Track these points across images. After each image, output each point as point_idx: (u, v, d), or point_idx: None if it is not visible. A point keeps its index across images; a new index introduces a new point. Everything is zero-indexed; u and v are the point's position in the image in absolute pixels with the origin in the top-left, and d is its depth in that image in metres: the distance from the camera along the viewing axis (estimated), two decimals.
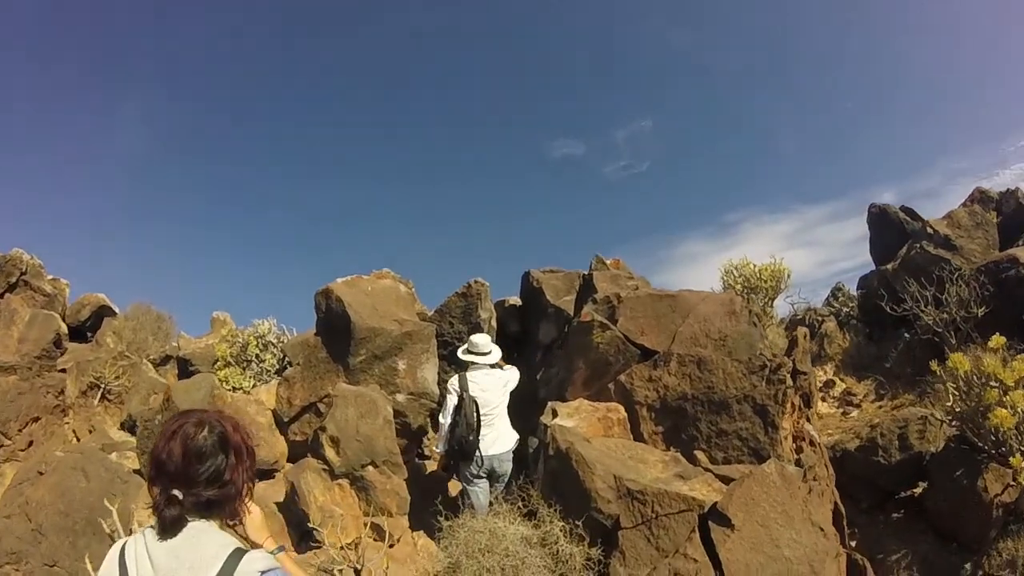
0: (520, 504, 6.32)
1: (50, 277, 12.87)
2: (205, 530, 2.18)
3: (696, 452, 6.49)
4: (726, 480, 5.98)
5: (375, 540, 7.18)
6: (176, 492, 2.16)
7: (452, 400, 7.04)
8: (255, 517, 2.55)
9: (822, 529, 5.63)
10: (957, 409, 7.18)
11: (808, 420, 6.83)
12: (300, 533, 7.38)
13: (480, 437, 6.93)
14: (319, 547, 6.66)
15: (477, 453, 6.92)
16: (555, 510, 6.03)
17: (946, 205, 12.29)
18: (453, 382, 7.17)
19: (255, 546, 2.43)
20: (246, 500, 2.42)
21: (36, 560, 7.06)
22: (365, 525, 7.22)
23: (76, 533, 7.26)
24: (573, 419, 6.81)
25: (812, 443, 6.54)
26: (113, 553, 2.22)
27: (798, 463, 6.10)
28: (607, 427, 6.84)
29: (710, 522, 5.44)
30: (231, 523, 2.44)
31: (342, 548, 6.61)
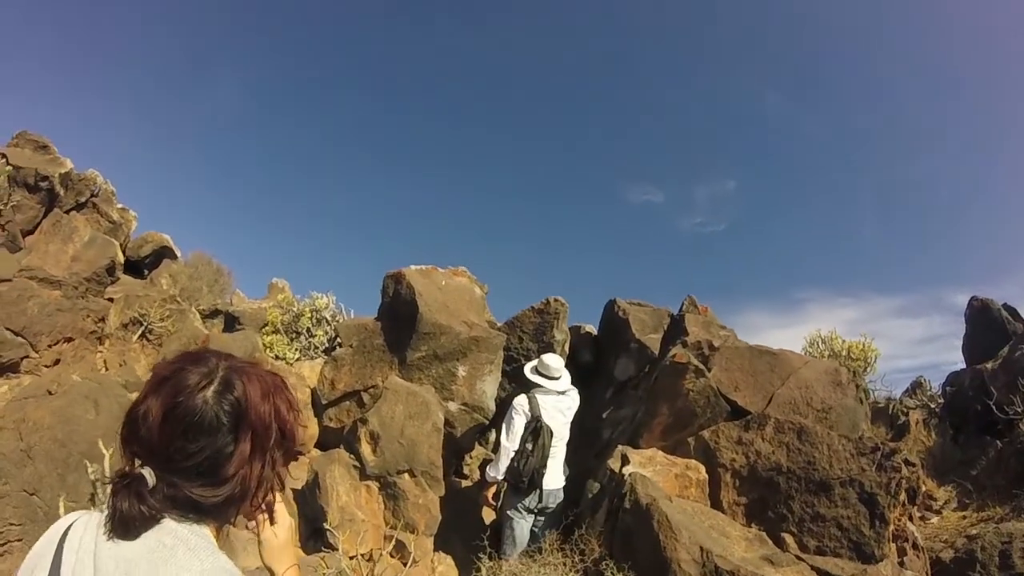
0: (576, 559, 5.47)
1: (120, 205, 12.79)
2: (185, 542, 1.34)
3: (784, 535, 5.58)
4: (823, 575, 5.09)
5: (393, 557, 6.46)
6: (145, 473, 1.36)
7: (520, 422, 6.35)
8: (280, 531, 1.72)
9: None
10: None
11: (911, 519, 5.91)
12: (311, 530, 6.76)
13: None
14: (330, 551, 5.98)
15: (537, 489, 6.27)
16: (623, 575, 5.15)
17: None
18: (522, 402, 6.47)
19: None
20: (264, 504, 1.57)
21: (16, 483, 6.36)
22: (386, 538, 6.51)
23: (68, 466, 6.63)
24: (647, 469, 5.99)
25: (916, 547, 5.63)
26: (55, 532, 1.42)
27: (901, 565, 5.25)
28: (683, 486, 6.01)
29: None
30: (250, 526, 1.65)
31: (355, 557, 5.89)
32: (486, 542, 6.04)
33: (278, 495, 1.64)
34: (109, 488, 1.38)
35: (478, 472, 8.26)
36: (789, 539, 5.55)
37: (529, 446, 6.27)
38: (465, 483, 8.25)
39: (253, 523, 1.68)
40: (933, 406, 13.07)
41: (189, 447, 1.36)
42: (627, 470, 5.91)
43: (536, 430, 6.32)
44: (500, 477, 6.35)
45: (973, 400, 11.04)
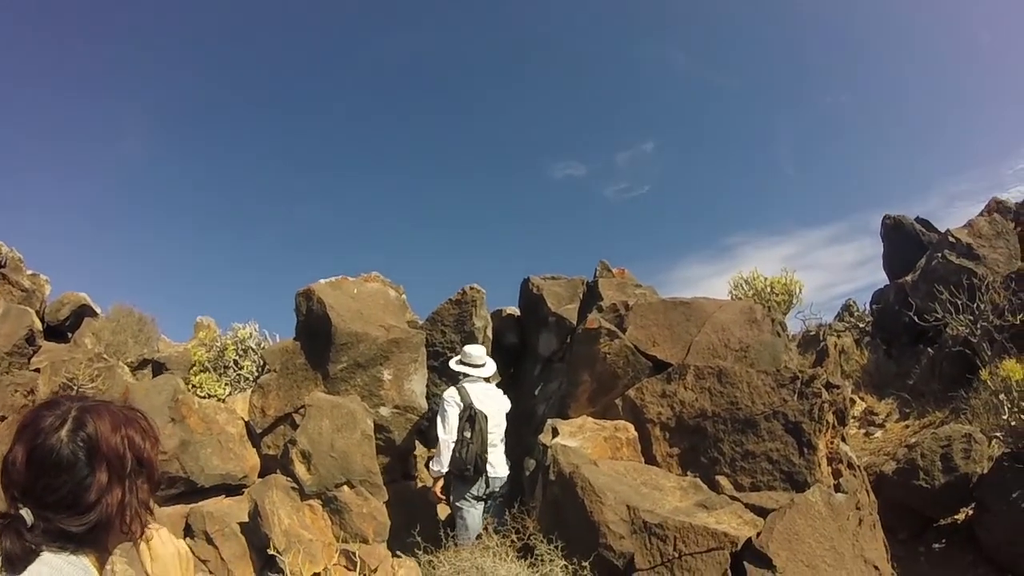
0: (514, 537, 5.47)
1: (30, 272, 12.54)
2: (60, 571, 1.42)
3: (718, 477, 5.63)
4: (760, 511, 5.13)
5: (347, 570, 6.39)
6: (24, 513, 1.45)
7: (453, 412, 6.39)
8: (163, 558, 1.69)
9: (877, 568, 4.87)
10: (1013, 423, 6.42)
11: (844, 440, 5.99)
12: (263, 560, 6.65)
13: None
14: None
15: (483, 476, 6.31)
16: (556, 546, 5.14)
17: (948, 227, 11.75)
18: (452, 394, 6.53)
19: None
20: (134, 531, 1.60)
21: None
22: (337, 552, 6.42)
23: None
24: (577, 438, 6.00)
25: (851, 466, 5.69)
26: None
27: (837, 488, 5.31)
28: (615, 448, 6.03)
29: (745, 563, 4.58)
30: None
31: None
32: (444, 540, 6.00)
33: (156, 526, 1.68)
34: None
35: (425, 472, 8.21)
36: (724, 481, 5.60)
37: (468, 434, 6.29)
38: (414, 484, 8.18)
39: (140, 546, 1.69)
40: (863, 325, 13.38)
41: (53, 483, 1.46)
42: (557, 442, 5.92)
43: (471, 417, 6.36)
44: (444, 470, 6.37)
45: (899, 314, 11.35)
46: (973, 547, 6.59)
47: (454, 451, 6.28)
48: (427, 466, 7.95)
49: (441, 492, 6.75)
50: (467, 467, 6.21)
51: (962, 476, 6.72)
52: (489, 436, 6.38)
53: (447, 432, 6.36)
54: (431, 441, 7.95)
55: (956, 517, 7.00)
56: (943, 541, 6.90)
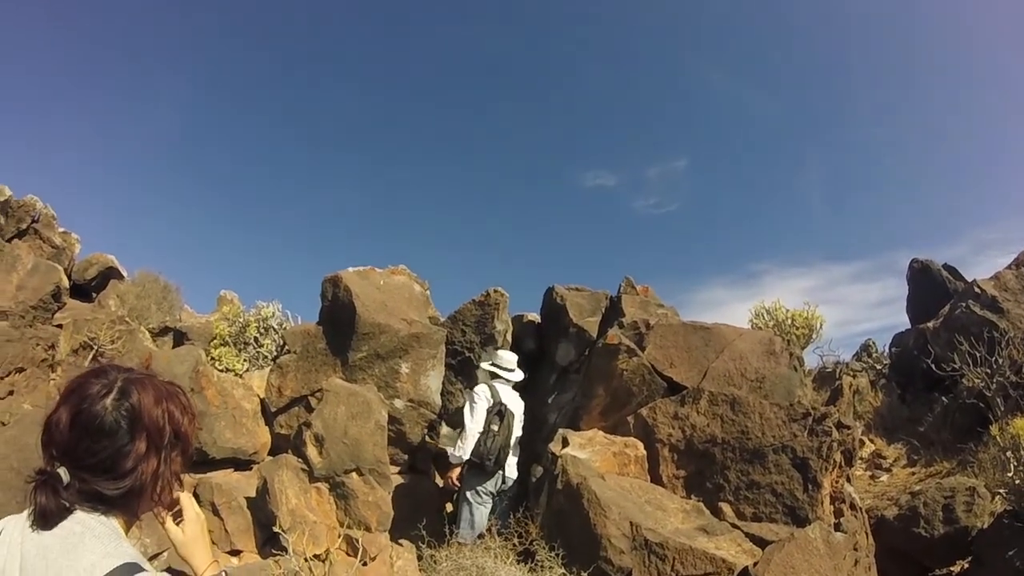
0: (516, 541, 5.56)
1: (61, 230, 12.65)
2: (92, 530, 1.52)
3: (722, 504, 5.70)
4: (759, 541, 5.20)
5: (348, 555, 6.50)
6: (60, 471, 1.55)
7: (483, 405, 6.58)
8: (188, 527, 1.85)
9: None
10: (1017, 481, 6.43)
11: (849, 480, 6.03)
12: (266, 536, 6.77)
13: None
14: (283, 554, 5.99)
15: (500, 471, 6.46)
16: (557, 554, 5.24)
17: (975, 275, 11.67)
18: (484, 390, 6.73)
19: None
20: (164, 501, 1.74)
21: None
22: (339, 537, 6.53)
23: (26, 492, 6.58)
24: (586, 450, 6.09)
25: (853, 507, 5.72)
26: None
27: (837, 527, 5.34)
28: (622, 464, 6.11)
29: None
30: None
31: (309, 559, 5.93)
32: (448, 536, 6.09)
33: (183, 495, 1.83)
34: (31, 486, 1.57)
35: (433, 467, 8.30)
36: (726, 508, 5.66)
37: (495, 427, 6.43)
38: (420, 478, 8.29)
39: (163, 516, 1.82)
40: (880, 367, 13.30)
41: (93, 447, 1.55)
42: (567, 452, 6.00)
43: (500, 412, 6.53)
44: (466, 457, 6.47)
45: (917, 359, 11.22)
46: None
47: (478, 441, 6.41)
48: (435, 461, 8.10)
49: (457, 479, 6.86)
50: (489, 457, 6.32)
51: (962, 529, 6.66)
52: (513, 436, 6.55)
53: (475, 422, 6.50)
54: (441, 438, 8.08)
55: (952, 569, 6.92)
56: None
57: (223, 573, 1.87)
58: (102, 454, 1.56)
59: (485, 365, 7.18)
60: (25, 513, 1.59)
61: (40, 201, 12.17)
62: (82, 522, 1.52)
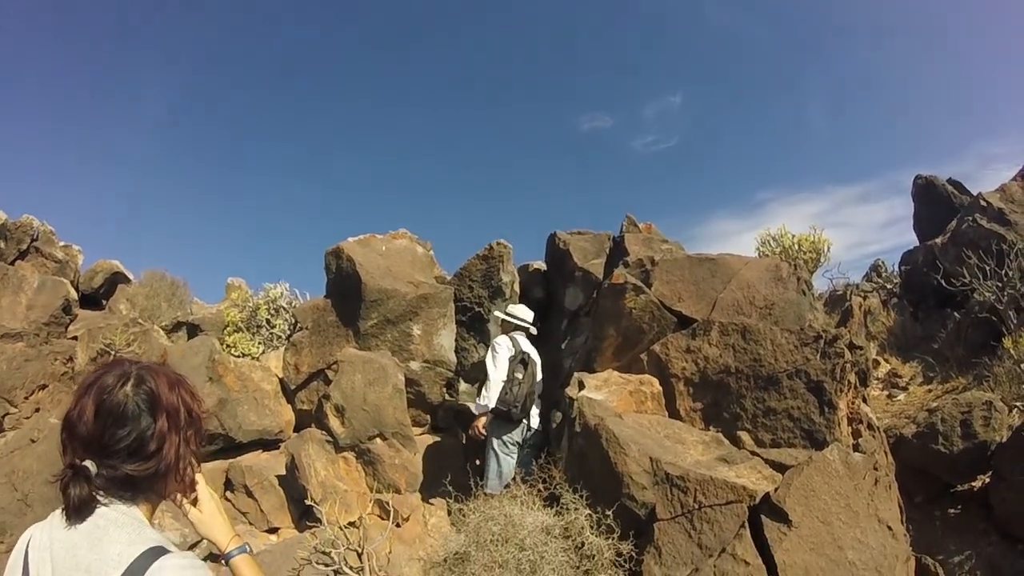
0: (541, 487, 5.63)
1: (62, 244, 12.93)
2: (115, 520, 1.61)
3: (740, 433, 5.73)
4: (778, 467, 5.22)
5: (381, 519, 6.63)
6: (88, 464, 1.63)
7: (505, 354, 6.66)
8: (204, 505, 1.96)
9: (890, 528, 4.89)
10: None
11: (865, 400, 6.04)
12: (301, 510, 6.94)
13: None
14: (319, 526, 6.10)
15: (525, 420, 6.56)
16: (581, 496, 5.30)
17: (982, 189, 11.56)
18: (505, 340, 6.85)
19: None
20: (187, 480, 1.84)
21: (20, 531, 6.49)
22: (371, 502, 6.65)
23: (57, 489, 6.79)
24: (602, 392, 6.12)
25: (870, 427, 5.71)
26: (21, 543, 1.70)
27: (856, 448, 5.37)
28: (639, 402, 6.15)
29: (763, 517, 4.65)
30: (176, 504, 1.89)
31: (344, 527, 6.05)
32: (474, 488, 6.16)
33: (198, 476, 1.94)
34: (59, 483, 1.63)
35: (455, 423, 8.40)
36: (745, 436, 5.69)
37: (519, 375, 6.48)
38: (443, 436, 8.39)
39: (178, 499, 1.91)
40: (890, 287, 13.29)
41: (119, 433, 1.65)
42: (583, 394, 6.04)
43: (524, 361, 6.60)
44: (492, 405, 6.49)
45: (927, 276, 11.22)
46: (987, 515, 6.54)
47: (503, 390, 6.45)
48: (457, 418, 8.21)
49: (483, 428, 6.79)
50: (515, 405, 6.36)
51: (980, 444, 6.65)
52: (536, 384, 6.64)
53: (497, 370, 6.57)
54: (470, 390, 8.20)
55: (972, 484, 6.91)
56: (958, 507, 6.84)
57: (246, 546, 1.95)
58: (128, 439, 1.65)
59: (499, 313, 7.29)
60: (50, 517, 1.68)
61: (36, 219, 12.38)
62: (104, 516, 1.61)
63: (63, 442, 1.70)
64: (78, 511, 1.59)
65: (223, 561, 1.92)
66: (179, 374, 1.87)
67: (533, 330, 7.16)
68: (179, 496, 1.89)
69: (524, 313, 7.15)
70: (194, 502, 1.94)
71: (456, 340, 8.28)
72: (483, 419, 6.75)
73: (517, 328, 7.05)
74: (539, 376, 6.81)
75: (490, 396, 6.51)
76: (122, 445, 1.64)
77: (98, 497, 1.62)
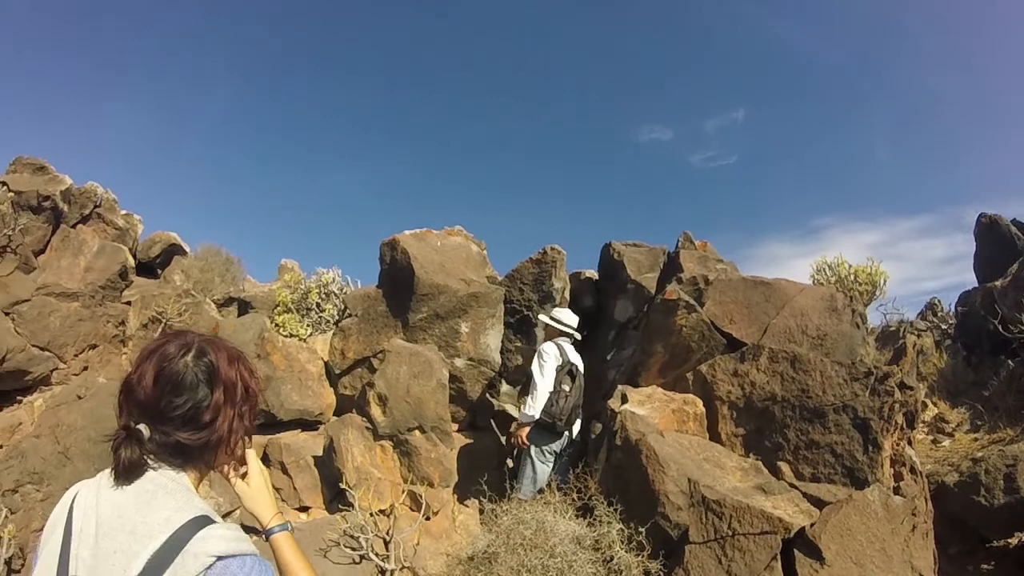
0: (575, 496, 5.64)
1: (123, 212, 13.09)
2: (164, 485, 1.63)
3: (780, 463, 5.66)
4: (816, 501, 5.16)
5: (411, 510, 6.71)
6: (142, 427, 1.66)
7: (552, 364, 6.53)
8: (253, 480, 1.99)
9: None
10: None
11: (910, 443, 5.92)
12: (333, 492, 7.03)
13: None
14: (350, 510, 6.19)
15: (568, 432, 6.51)
16: (614, 510, 5.29)
17: None
18: (552, 348, 6.69)
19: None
20: (237, 454, 1.87)
21: (58, 483, 6.81)
22: (403, 492, 6.72)
23: (103, 461, 6.94)
24: (645, 407, 6.10)
25: (913, 471, 5.57)
26: (67, 497, 1.71)
27: (897, 491, 5.28)
28: (681, 421, 6.11)
29: (796, 551, 4.62)
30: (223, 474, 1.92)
31: (374, 514, 6.12)
32: (508, 491, 6.17)
33: (248, 451, 1.96)
34: (112, 444, 1.67)
35: (493, 424, 8.44)
36: (785, 467, 5.62)
37: (566, 387, 6.40)
38: (481, 435, 8.43)
39: (227, 471, 1.94)
40: (945, 327, 13.00)
41: (176, 401, 1.67)
42: (626, 408, 6.00)
43: (572, 372, 6.50)
44: (537, 416, 6.38)
45: (984, 320, 10.92)
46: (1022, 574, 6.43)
47: (549, 401, 6.35)
48: (494, 418, 8.23)
49: (527, 438, 6.63)
50: (560, 418, 6.27)
51: (1023, 499, 6.46)
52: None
53: (545, 380, 6.45)
54: (518, 392, 8.21)
55: (1009, 541, 6.70)
56: (992, 563, 6.65)
57: (288, 524, 1.96)
58: (184, 407, 1.67)
59: (544, 317, 7.21)
60: (99, 476, 1.70)
61: (101, 187, 12.59)
62: (154, 480, 1.63)
63: (120, 404, 1.74)
64: (127, 473, 1.62)
65: (264, 536, 1.94)
66: (239, 350, 1.89)
67: (578, 336, 7.06)
68: (227, 467, 1.91)
69: (569, 318, 7.04)
70: (243, 476, 1.97)
71: (503, 341, 8.31)
72: (526, 429, 6.64)
73: (562, 334, 6.94)
74: (583, 387, 6.73)
75: (536, 406, 6.40)
76: (177, 413, 1.67)
77: (148, 461, 1.65)
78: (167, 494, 1.60)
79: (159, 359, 1.70)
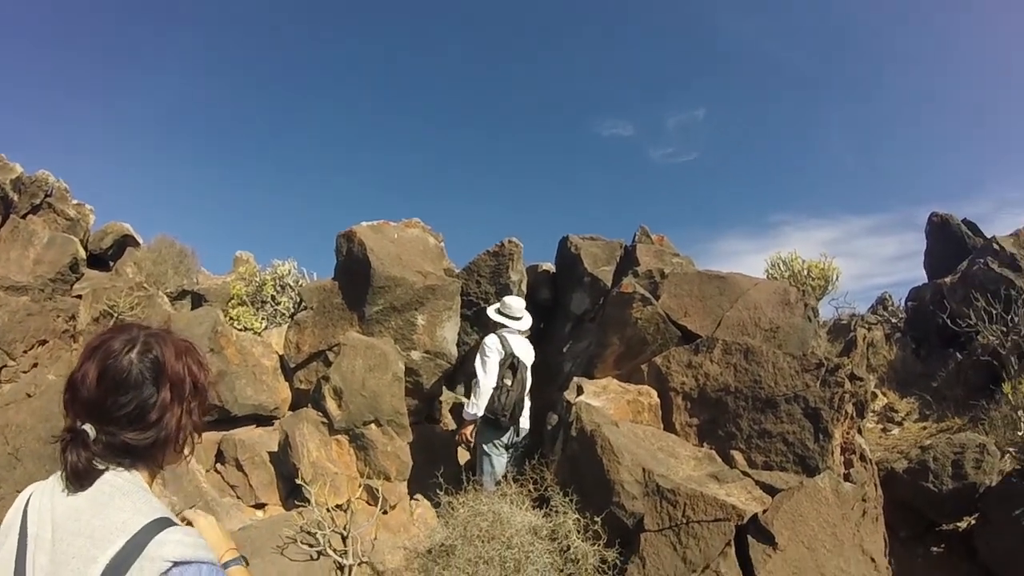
0: (532, 487, 5.66)
1: (75, 202, 12.71)
2: (121, 487, 1.59)
3: (733, 452, 5.74)
4: (769, 489, 5.25)
5: (369, 504, 6.67)
6: (87, 428, 1.61)
7: (495, 359, 6.53)
8: (200, 522, 1.90)
9: (873, 560, 4.92)
10: None
11: (860, 432, 6.04)
12: (290, 488, 6.96)
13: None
14: (306, 506, 6.14)
15: (515, 425, 6.47)
16: (571, 500, 5.34)
17: (996, 232, 11.54)
18: (495, 341, 6.67)
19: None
20: (188, 453, 1.84)
21: (9, 486, 6.66)
22: (360, 487, 6.68)
23: (54, 461, 6.79)
24: (600, 398, 6.15)
25: (863, 458, 5.70)
26: (20, 501, 1.67)
27: (847, 478, 5.39)
28: (636, 412, 6.17)
29: (749, 537, 4.71)
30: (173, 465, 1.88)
31: (331, 509, 6.09)
32: (465, 483, 6.16)
33: (193, 512, 1.93)
34: (59, 446, 1.62)
35: (449, 416, 8.43)
36: (738, 456, 5.71)
37: (508, 381, 6.41)
38: (438, 428, 8.41)
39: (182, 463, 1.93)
40: (895, 321, 13.25)
41: (121, 399, 1.62)
42: (581, 400, 6.05)
43: (513, 366, 6.49)
44: (480, 414, 6.42)
45: (933, 315, 11.18)
46: (970, 556, 6.56)
47: (492, 397, 6.37)
48: (453, 413, 8.21)
49: (471, 435, 6.78)
50: (504, 413, 6.29)
51: (970, 485, 6.65)
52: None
53: (487, 376, 6.46)
54: (465, 388, 8.17)
55: (958, 524, 6.93)
56: (942, 546, 6.85)
57: (242, 558, 1.92)
58: (129, 406, 1.63)
59: (492, 310, 7.13)
60: (52, 479, 1.66)
61: (52, 176, 12.21)
62: (110, 483, 1.59)
63: (65, 404, 1.69)
64: (77, 476, 1.58)
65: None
66: (189, 341, 1.85)
67: (522, 326, 7.00)
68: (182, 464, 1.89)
69: (514, 309, 6.98)
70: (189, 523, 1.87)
71: (460, 334, 8.29)
72: (470, 427, 6.73)
73: (506, 326, 6.91)
74: (528, 380, 6.70)
75: (479, 403, 6.43)
76: (123, 412, 1.62)
77: (96, 464, 1.60)
78: (123, 496, 1.57)
79: (103, 356, 1.65)
